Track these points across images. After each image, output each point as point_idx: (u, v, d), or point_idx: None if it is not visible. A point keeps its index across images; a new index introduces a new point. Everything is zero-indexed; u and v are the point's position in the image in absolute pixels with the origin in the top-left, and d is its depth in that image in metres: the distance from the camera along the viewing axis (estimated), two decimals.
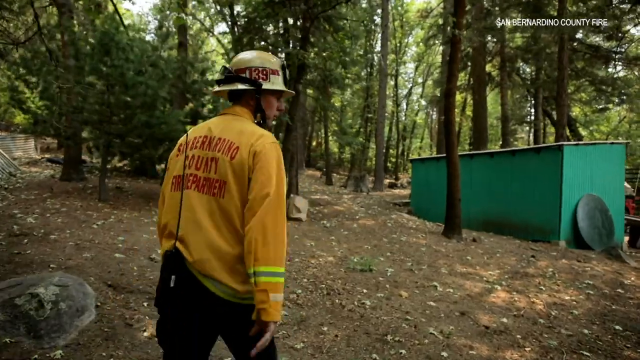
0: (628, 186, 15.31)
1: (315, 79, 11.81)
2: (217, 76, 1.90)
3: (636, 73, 15.09)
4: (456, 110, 9.76)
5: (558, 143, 10.55)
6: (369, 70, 24.02)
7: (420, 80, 34.22)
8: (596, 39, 14.89)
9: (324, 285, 5.29)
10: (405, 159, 29.14)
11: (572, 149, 10.24)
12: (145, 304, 4.18)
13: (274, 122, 2.90)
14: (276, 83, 1.83)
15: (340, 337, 3.97)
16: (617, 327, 4.94)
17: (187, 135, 1.82)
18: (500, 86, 19.99)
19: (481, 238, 9.58)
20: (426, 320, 4.53)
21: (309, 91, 14.81)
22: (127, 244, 6.19)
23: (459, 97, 28.99)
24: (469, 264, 7.35)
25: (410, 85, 32.00)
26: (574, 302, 5.83)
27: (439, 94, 24.39)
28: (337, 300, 4.89)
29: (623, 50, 14.37)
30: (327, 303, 4.82)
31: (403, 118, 32.49)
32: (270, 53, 2.04)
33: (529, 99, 27.64)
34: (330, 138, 22.53)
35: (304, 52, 9.31)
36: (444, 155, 14.57)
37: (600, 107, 19.10)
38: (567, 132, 23.99)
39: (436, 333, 4.18)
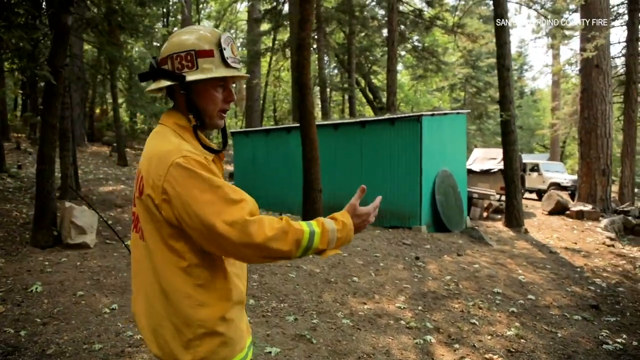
0: None
1: (96, 17, 7.69)
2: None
3: (457, 41, 15.21)
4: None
5: (416, 113, 9.15)
6: (165, 20, 19.65)
7: None
8: (418, 4, 14.41)
9: None
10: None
11: (429, 120, 8.94)
12: None
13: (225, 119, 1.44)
14: (207, 69, 1.30)
15: None
16: None
17: None
18: (318, 49, 18.41)
19: None
20: None
21: (86, 36, 10.29)
22: None
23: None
24: (363, 292, 5.13)
25: None
26: (522, 341, 4.20)
27: (246, 57, 21.75)
28: None
29: (441, 18, 14.16)
30: None
31: None
32: (209, 27, 1.40)
33: (337, 65, 27.27)
34: (120, 104, 17.58)
35: None
36: (274, 127, 12.16)
37: (419, 74, 19.29)
38: (372, 97, 24.39)
39: None
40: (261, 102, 26.05)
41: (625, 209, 13.68)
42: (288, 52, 18.99)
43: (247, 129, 13.72)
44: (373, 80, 25.11)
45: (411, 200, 8.75)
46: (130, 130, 26.27)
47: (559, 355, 4.01)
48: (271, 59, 25.10)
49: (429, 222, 8.99)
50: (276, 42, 22.77)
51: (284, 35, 22.19)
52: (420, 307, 4.82)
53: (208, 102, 1.34)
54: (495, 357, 3.82)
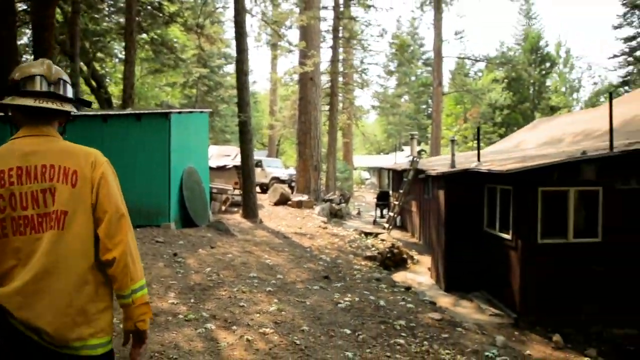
0: None
1: None
2: (38, 86, 1.58)
3: (198, 40, 15.07)
4: None
5: (164, 110, 8.99)
6: None
7: None
8: None
9: None
10: None
11: (177, 117, 9.00)
12: None
13: None
14: None
15: None
16: None
17: None
18: None
19: None
20: None
21: None
22: None
23: None
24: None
25: None
26: (283, 313, 5.03)
27: None
28: None
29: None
30: None
31: None
32: None
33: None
34: None
35: None
36: None
37: (155, 69, 18.42)
38: (96, 86, 22.17)
39: None
40: None
41: (330, 198, 16.95)
42: None
43: None
44: (97, 68, 22.79)
45: (160, 197, 8.64)
46: None
47: (311, 318, 4.97)
48: None
49: (177, 218, 9.09)
50: None
51: None
52: (192, 300, 5.04)
53: None
54: (267, 330, 4.43)
